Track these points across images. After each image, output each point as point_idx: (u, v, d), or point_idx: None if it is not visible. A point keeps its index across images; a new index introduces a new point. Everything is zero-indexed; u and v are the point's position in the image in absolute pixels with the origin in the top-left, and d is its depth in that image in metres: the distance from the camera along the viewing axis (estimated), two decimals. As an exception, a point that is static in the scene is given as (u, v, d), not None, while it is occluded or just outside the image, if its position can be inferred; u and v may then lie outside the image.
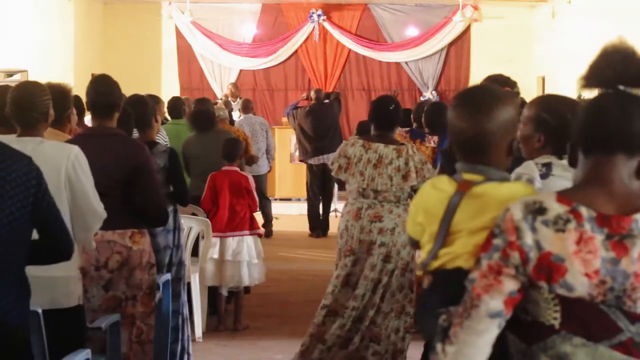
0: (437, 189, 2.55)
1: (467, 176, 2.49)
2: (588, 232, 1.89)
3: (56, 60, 13.54)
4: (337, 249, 5.29)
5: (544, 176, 2.90)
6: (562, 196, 1.94)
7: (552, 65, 14.61)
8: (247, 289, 6.95)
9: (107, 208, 3.79)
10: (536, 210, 1.93)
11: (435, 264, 2.49)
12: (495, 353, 1.99)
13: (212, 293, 6.59)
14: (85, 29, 14.91)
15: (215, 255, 6.43)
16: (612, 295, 1.88)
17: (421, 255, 2.60)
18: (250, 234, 6.55)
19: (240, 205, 6.49)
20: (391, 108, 5.23)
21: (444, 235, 2.46)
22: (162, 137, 6.72)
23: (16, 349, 2.85)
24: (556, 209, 1.92)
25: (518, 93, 4.08)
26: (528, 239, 1.92)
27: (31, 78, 11.91)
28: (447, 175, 2.54)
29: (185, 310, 5.40)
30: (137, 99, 5.22)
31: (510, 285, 1.93)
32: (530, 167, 2.94)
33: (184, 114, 8.16)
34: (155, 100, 6.62)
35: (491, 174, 2.46)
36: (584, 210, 1.91)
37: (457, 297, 2.04)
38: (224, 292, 6.56)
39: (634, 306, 1.88)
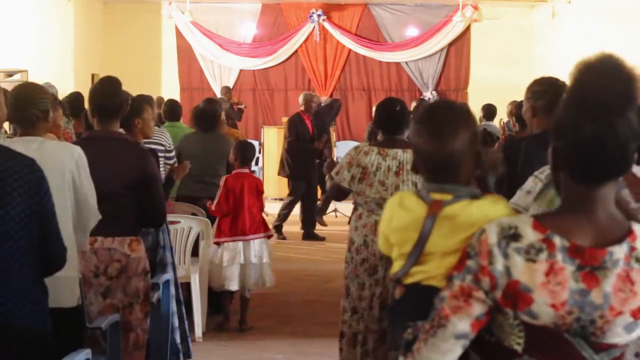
0: (405, 209, 2.53)
1: (436, 196, 2.48)
2: (559, 263, 1.86)
3: (56, 60, 13.54)
4: (351, 263, 4.77)
5: None
6: (539, 222, 1.91)
7: (552, 65, 14.58)
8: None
9: (108, 214, 3.82)
10: (510, 235, 1.91)
11: (409, 280, 2.49)
12: None
13: (215, 293, 6.59)
14: (85, 29, 14.91)
15: (242, 261, 6.42)
16: (577, 325, 1.86)
17: (392, 268, 2.60)
18: (265, 236, 6.59)
19: (256, 208, 6.51)
20: (397, 109, 4.88)
21: (418, 255, 2.46)
22: (166, 139, 6.75)
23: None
24: (530, 236, 1.89)
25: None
26: (499, 264, 1.90)
27: (31, 78, 11.91)
28: (414, 194, 2.53)
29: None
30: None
31: (478, 308, 1.93)
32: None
33: (180, 117, 8.34)
34: (147, 100, 6.65)
35: (459, 191, 2.47)
36: (557, 240, 1.87)
37: (427, 313, 2.04)
38: (247, 295, 6.55)
39: (602, 337, 1.86)
